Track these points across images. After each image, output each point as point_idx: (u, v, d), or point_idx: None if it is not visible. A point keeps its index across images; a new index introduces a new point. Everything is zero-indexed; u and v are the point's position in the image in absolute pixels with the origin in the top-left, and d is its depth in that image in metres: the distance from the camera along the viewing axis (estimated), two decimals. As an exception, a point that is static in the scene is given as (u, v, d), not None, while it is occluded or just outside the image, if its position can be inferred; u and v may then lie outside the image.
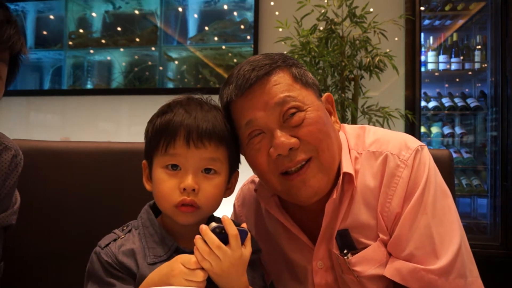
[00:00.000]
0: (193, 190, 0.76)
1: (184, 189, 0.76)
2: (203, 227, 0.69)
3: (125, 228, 0.85)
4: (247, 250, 0.73)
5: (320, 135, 0.82)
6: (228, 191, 0.87)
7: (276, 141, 0.79)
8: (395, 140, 0.88)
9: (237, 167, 0.89)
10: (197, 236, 0.70)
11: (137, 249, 0.79)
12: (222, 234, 0.69)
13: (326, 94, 0.91)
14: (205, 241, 0.69)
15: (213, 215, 0.87)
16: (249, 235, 0.74)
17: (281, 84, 0.82)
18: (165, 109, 0.83)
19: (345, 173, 0.85)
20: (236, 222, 0.74)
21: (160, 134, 0.79)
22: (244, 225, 0.74)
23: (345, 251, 0.86)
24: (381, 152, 0.87)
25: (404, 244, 0.81)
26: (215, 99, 0.90)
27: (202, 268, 0.69)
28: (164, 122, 0.79)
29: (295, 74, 0.84)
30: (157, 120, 0.81)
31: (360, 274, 0.84)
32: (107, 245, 0.80)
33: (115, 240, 0.81)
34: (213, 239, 0.68)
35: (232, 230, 0.70)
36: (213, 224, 0.70)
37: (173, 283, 0.68)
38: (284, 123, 0.81)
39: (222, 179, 0.81)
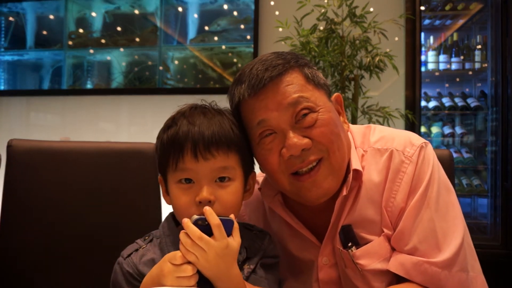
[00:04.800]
0: (209, 202, 0.75)
1: (200, 202, 0.75)
2: (185, 220, 0.68)
3: (147, 237, 0.85)
4: (235, 240, 0.71)
5: (332, 137, 0.82)
6: (247, 193, 0.86)
7: (289, 141, 0.80)
8: (400, 137, 0.89)
9: (253, 168, 0.88)
10: (182, 231, 0.69)
11: (157, 259, 0.77)
12: (206, 226, 0.68)
13: (336, 94, 0.92)
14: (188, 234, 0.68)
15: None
16: (236, 224, 0.72)
17: (294, 85, 0.82)
18: (170, 123, 0.81)
19: (354, 170, 0.86)
20: (223, 216, 0.72)
21: (168, 150, 0.78)
22: (232, 216, 0.73)
23: (349, 244, 0.87)
24: (386, 149, 0.88)
25: (408, 237, 0.82)
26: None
27: (190, 263, 0.68)
28: (170, 137, 0.78)
29: (308, 75, 0.85)
30: (164, 136, 0.80)
31: (364, 267, 0.85)
32: (129, 255, 0.80)
33: (136, 250, 0.81)
34: (194, 230, 0.67)
35: (213, 220, 0.68)
36: (195, 216, 0.69)
37: (164, 283, 0.67)
38: (296, 123, 0.81)
39: (238, 184, 0.80)
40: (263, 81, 0.81)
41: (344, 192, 0.85)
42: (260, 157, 0.86)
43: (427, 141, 0.89)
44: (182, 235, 0.68)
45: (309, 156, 0.81)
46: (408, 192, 0.84)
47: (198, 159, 0.75)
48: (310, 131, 0.81)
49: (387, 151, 0.88)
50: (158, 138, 0.83)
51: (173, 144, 0.77)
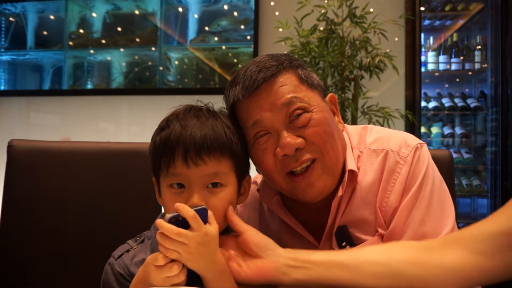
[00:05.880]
0: None
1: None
2: (158, 221, 0.67)
3: (138, 238, 0.85)
4: (212, 226, 0.70)
5: (325, 136, 0.83)
6: (242, 196, 0.86)
7: (282, 141, 0.81)
8: (395, 138, 0.90)
9: (247, 173, 0.87)
10: (157, 232, 0.68)
11: None
12: (181, 221, 0.68)
13: (330, 94, 0.93)
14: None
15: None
16: (210, 212, 0.72)
17: (287, 85, 0.83)
18: (163, 124, 0.80)
19: (349, 171, 0.87)
20: (197, 206, 0.71)
21: (160, 153, 0.77)
22: (203, 203, 0.73)
23: (344, 244, 0.88)
24: (382, 150, 0.89)
25: (398, 237, 0.83)
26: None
27: (174, 261, 0.67)
28: (163, 140, 0.77)
29: (301, 76, 0.86)
30: (157, 138, 0.79)
31: None
32: (120, 256, 0.80)
33: (128, 251, 0.81)
34: (170, 228, 0.66)
35: (188, 212, 0.67)
36: (168, 215, 0.68)
37: (154, 285, 0.67)
38: (290, 123, 0.82)
39: (230, 190, 0.79)
40: (257, 82, 0.82)
41: (340, 193, 0.86)
42: (256, 157, 0.86)
43: (423, 142, 0.90)
44: (158, 236, 0.67)
45: (303, 156, 0.81)
46: (402, 192, 0.84)
47: (189, 165, 0.74)
48: (304, 130, 0.82)
49: (383, 152, 0.88)
50: (152, 139, 0.82)
51: (165, 148, 0.76)
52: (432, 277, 0.71)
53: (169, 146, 0.75)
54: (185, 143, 0.74)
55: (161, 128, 0.80)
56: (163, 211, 0.93)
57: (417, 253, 0.73)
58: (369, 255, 0.74)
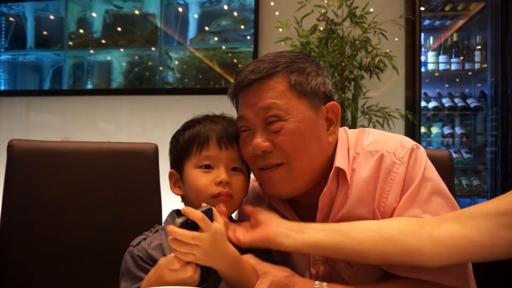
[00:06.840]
0: (227, 183, 0.87)
1: (220, 182, 0.87)
2: (170, 227, 0.70)
3: (152, 229, 0.92)
4: (219, 222, 0.76)
5: (294, 146, 0.86)
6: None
7: (253, 141, 0.87)
8: (391, 140, 0.91)
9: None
10: (169, 238, 0.70)
11: (164, 244, 0.85)
12: (191, 224, 0.71)
13: (331, 103, 0.92)
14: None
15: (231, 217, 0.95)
16: (214, 210, 0.77)
17: (272, 90, 0.86)
18: (189, 124, 0.94)
19: (339, 169, 0.88)
20: (201, 208, 0.75)
21: (192, 141, 0.90)
22: (203, 204, 0.78)
23: None
24: (377, 151, 0.90)
25: None
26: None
27: (187, 263, 0.71)
28: (195, 132, 0.91)
29: (293, 82, 0.87)
30: (186, 133, 0.93)
31: (352, 263, 0.87)
32: (139, 243, 0.87)
33: (144, 239, 0.88)
34: (184, 233, 0.69)
35: (196, 215, 0.71)
36: (178, 220, 0.71)
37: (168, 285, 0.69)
38: (266, 126, 0.87)
39: (245, 176, 0.93)
40: (245, 82, 0.88)
41: (325, 189, 0.88)
42: (240, 148, 0.93)
43: (419, 144, 0.91)
44: (172, 243, 0.70)
45: (269, 159, 0.87)
46: (400, 192, 0.85)
47: (221, 148, 0.89)
48: (276, 136, 0.86)
49: (378, 153, 0.89)
50: (176, 136, 0.95)
51: (199, 136, 0.90)
52: (423, 247, 0.74)
53: (203, 134, 0.90)
54: (219, 131, 0.91)
55: (188, 126, 0.94)
56: (163, 211, 0.96)
57: (410, 224, 0.78)
58: (364, 223, 0.82)
